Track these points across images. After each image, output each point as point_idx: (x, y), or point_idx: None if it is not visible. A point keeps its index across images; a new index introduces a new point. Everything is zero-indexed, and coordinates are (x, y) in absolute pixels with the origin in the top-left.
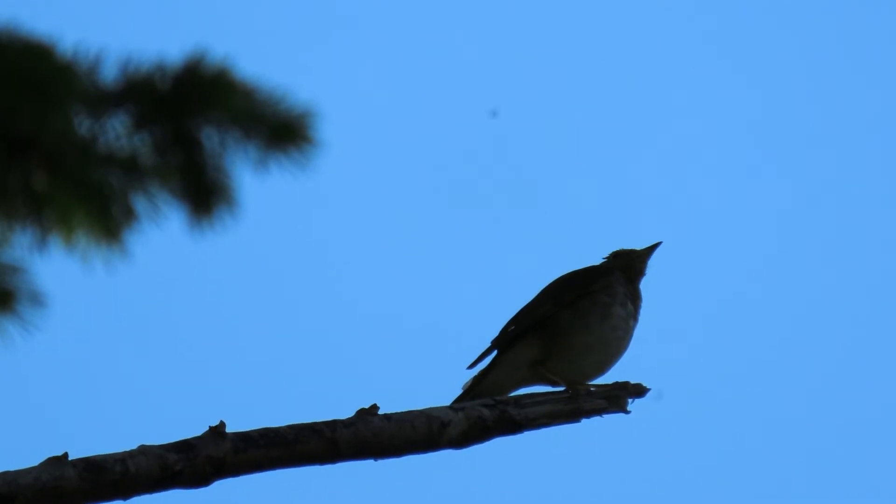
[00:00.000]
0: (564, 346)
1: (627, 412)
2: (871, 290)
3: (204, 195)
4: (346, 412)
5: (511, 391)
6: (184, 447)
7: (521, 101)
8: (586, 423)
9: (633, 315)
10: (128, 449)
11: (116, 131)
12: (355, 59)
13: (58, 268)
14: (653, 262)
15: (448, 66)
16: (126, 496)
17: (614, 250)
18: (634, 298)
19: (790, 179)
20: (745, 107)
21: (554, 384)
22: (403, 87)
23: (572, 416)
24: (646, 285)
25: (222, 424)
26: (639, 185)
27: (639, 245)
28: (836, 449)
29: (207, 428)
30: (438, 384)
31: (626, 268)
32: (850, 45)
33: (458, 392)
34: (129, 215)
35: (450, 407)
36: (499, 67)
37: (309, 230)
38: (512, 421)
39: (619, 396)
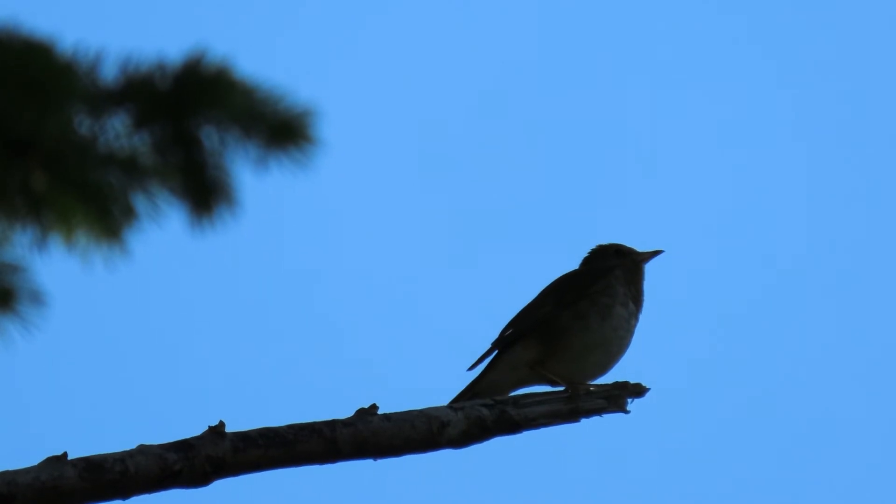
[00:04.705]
0: (565, 347)
1: (627, 412)
2: (871, 289)
3: (204, 194)
4: (345, 412)
5: (510, 391)
6: (183, 447)
7: (521, 100)
8: (586, 423)
9: (635, 314)
10: (127, 449)
11: (116, 131)
12: (354, 58)
13: (58, 267)
14: (654, 262)
15: (447, 64)
16: (125, 496)
17: (604, 245)
18: (637, 298)
19: (785, 174)
20: (749, 103)
21: (554, 384)
22: (402, 86)
23: (571, 415)
24: (646, 284)
25: (222, 424)
26: (640, 185)
27: (637, 243)
28: (835, 449)
29: (207, 428)
30: (438, 384)
31: (632, 272)
32: (847, 44)
33: (457, 393)
34: (129, 214)
35: (449, 407)
36: (498, 64)
37: (309, 230)
38: (511, 421)
39: (619, 396)
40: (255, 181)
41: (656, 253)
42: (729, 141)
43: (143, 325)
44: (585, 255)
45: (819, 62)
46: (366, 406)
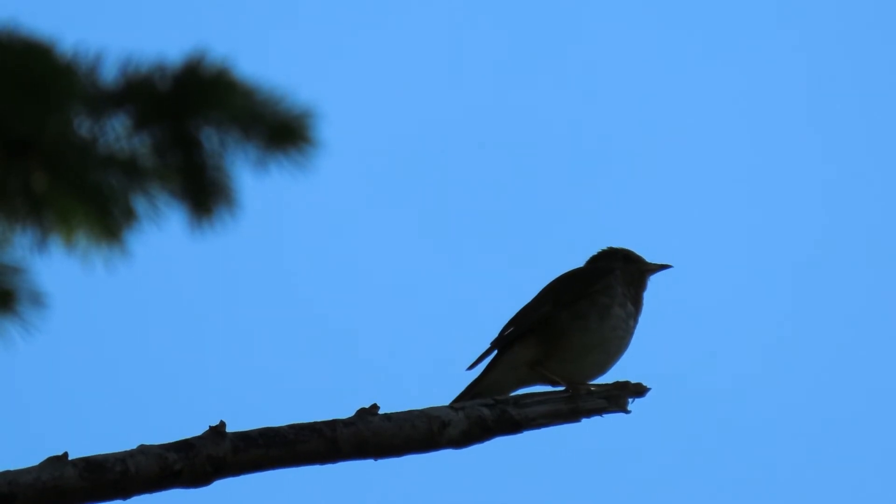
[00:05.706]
0: (564, 347)
1: (627, 412)
2: (878, 289)
3: (204, 195)
4: (346, 412)
5: (511, 391)
6: (184, 447)
7: (522, 99)
8: (586, 423)
9: (633, 315)
10: (128, 448)
11: (116, 132)
12: (354, 58)
13: (58, 268)
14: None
15: (448, 63)
16: (126, 496)
17: (615, 248)
18: (636, 300)
19: (795, 172)
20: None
21: (554, 384)
22: (401, 85)
23: (572, 415)
24: (648, 284)
25: (222, 424)
26: (639, 184)
27: (638, 246)
28: (835, 449)
29: (207, 427)
30: (438, 384)
31: (635, 278)
32: (853, 45)
33: (459, 392)
34: (129, 216)
35: (450, 406)
36: (500, 63)
37: (308, 230)
38: (512, 421)
39: (620, 396)
40: (255, 182)
41: (664, 267)
42: (731, 138)
43: (144, 326)
44: (594, 253)
45: (820, 59)
46: (366, 406)
